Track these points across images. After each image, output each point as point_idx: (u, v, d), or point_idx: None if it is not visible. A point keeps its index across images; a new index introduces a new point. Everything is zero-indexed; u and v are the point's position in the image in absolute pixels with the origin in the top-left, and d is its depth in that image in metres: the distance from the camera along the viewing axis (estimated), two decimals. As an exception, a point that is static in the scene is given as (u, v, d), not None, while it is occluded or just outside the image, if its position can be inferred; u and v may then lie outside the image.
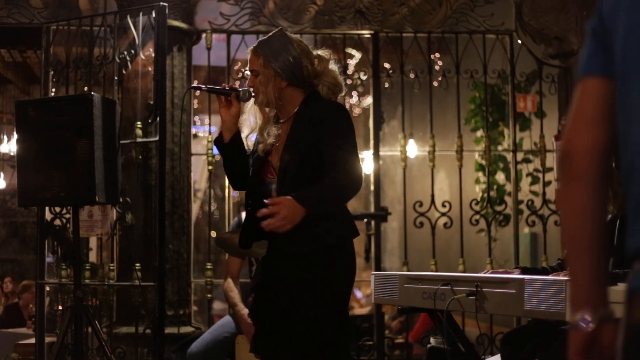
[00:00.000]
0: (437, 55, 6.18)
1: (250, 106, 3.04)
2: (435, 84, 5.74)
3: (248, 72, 3.08)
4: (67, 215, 5.02)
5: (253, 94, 2.99)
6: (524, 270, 3.23)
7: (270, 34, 3.03)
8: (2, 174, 10.48)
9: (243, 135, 3.06)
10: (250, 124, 3.05)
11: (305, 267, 2.86)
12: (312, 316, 2.83)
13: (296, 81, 2.95)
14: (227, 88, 3.03)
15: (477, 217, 5.65)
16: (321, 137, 2.86)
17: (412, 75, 5.69)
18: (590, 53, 1.48)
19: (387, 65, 5.89)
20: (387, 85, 6.11)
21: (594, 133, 1.43)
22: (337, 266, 2.90)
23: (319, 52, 3.03)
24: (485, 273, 3.22)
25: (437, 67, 6.00)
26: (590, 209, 1.43)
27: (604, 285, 1.44)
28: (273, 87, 2.93)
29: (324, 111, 2.91)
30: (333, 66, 3.03)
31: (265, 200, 2.73)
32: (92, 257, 5.67)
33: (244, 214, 3.36)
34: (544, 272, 3.25)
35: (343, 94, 3.06)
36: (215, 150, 3.55)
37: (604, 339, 1.40)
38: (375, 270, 5.21)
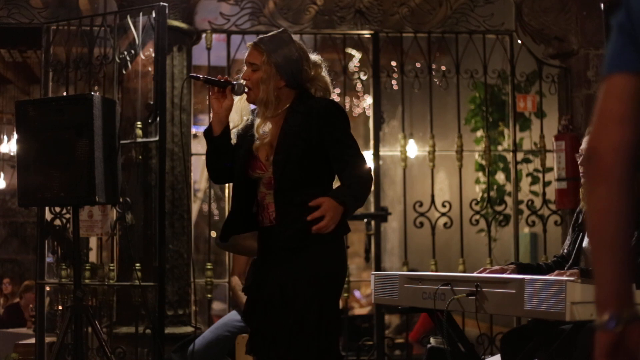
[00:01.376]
0: (437, 55, 6.18)
1: (238, 100, 3.04)
2: (435, 83, 5.73)
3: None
4: (67, 215, 5.02)
5: (247, 88, 2.98)
6: (520, 266, 3.24)
7: (274, 32, 3.04)
8: (2, 174, 10.47)
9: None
10: (236, 118, 3.06)
11: (298, 263, 2.86)
12: (305, 312, 2.83)
13: (293, 82, 2.96)
14: (222, 80, 3.04)
15: (477, 217, 5.65)
16: (324, 136, 2.88)
17: (412, 75, 5.69)
18: (618, 49, 1.43)
19: (387, 65, 5.89)
20: (387, 85, 6.11)
21: (621, 131, 1.39)
22: (330, 262, 2.91)
23: (313, 57, 3.05)
24: (481, 270, 3.21)
25: (436, 67, 6.00)
26: (616, 209, 1.39)
27: (630, 286, 1.41)
28: (273, 86, 2.93)
29: (321, 108, 2.92)
30: (325, 73, 3.06)
31: (310, 203, 2.74)
32: (92, 257, 5.67)
33: None
34: (539, 269, 3.26)
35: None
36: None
37: (631, 341, 1.37)
38: (375, 270, 5.21)
